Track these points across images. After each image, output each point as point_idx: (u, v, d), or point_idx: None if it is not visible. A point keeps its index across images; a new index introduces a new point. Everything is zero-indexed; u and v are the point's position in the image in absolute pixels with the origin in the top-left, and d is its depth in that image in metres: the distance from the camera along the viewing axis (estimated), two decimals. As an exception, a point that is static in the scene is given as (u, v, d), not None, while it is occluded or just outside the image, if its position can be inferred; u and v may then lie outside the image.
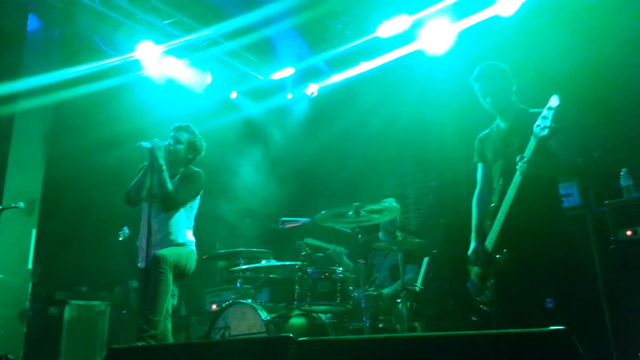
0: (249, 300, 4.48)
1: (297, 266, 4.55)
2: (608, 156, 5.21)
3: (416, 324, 4.63)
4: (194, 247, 4.21)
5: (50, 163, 5.78)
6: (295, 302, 4.38)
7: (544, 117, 3.10)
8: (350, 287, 4.41)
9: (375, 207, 4.36)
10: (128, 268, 6.25)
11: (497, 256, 3.29)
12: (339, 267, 4.59)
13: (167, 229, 4.09)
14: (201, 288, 6.78)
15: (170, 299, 4.02)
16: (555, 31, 5.85)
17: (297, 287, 4.41)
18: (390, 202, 4.99)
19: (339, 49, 6.99)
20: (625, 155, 5.03)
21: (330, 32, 7.06)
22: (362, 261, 4.33)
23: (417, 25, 6.46)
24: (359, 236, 4.43)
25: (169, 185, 4.03)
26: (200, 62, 7.18)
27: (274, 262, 4.99)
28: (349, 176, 7.26)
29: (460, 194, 3.79)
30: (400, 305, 4.35)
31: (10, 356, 4.90)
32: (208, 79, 7.24)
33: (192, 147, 4.30)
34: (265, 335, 4.09)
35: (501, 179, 3.40)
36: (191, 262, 4.13)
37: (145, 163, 4.11)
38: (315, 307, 4.40)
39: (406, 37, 6.60)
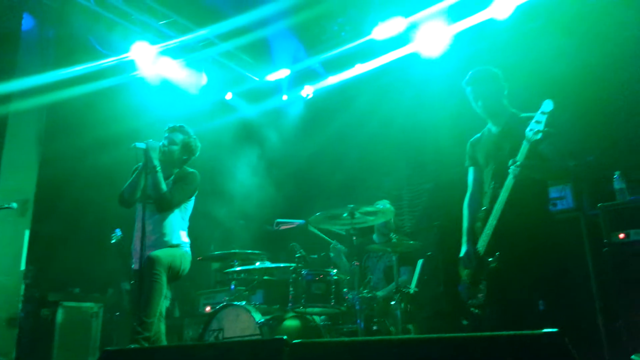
0: (243, 302, 4.47)
1: (291, 268, 4.54)
2: (601, 159, 5.24)
3: (410, 326, 4.63)
4: (188, 249, 4.20)
5: (44, 164, 5.76)
6: (290, 304, 4.37)
7: (537, 122, 3.12)
8: (345, 289, 4.41)
9: (369, 209, 4.37)
10: (121, 270, 6.23)
11: (490, 259, 3.30)
12: (333, 268, 4.59)
13: (162, 230, 4.08)
14: (195, 290, 6.76)
15: (164, 301, 4.01)
16: (549, 35, 5.88)
17: (291, 289, 4.40)
18: (384, 204, 5.00)
19: (334, 50, 7.00)
20: (619, 158, 5.06)
21: (326, 33, 7.07)
22: (356, 263, 4.33)
23: (412, 27, 6.48)
24: (354, 238, 4.44)
25: (164, 186, 4.02)
26: (196, 63, 7.17)
27: (268, 264, 4.98)
28: (344, 178, 7.27)
29: (455, 197, 3.80)
30: (394, 308, 4.35)
31: (2, 358, 4.87)
32: (203, 80, 7.24)
33: (187, 148, 4.29)
34: (259, 337, 4.08)
35: (492, 183, 3.42)
36: (186, 264, 4.11)
37: (140, 164, 4.10)
38: (309, 309, 4.40)
39: (402, 39, 6.62)
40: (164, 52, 6.70)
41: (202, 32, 6.67)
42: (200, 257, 5.19)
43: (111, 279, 6.54)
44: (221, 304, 4.61)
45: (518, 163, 3.14)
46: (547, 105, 3.14)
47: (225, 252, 5.16)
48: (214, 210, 6.87)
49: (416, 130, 6.83)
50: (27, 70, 5.74)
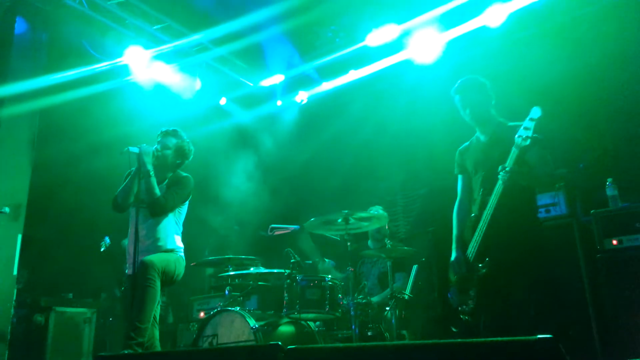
0: (237, 308, 4.45)
1: (286, 274, 4.53)
2: (594, 166, 5.28)
3: (405, 332, 4.64)
4: (182, 253, 4.18)
5: (37, 168, 5.72)
6: (284, 310, 4.37)
7: (526, 128, 3.17)
8: (340, 295, 4.41)
9: (364, 214, 4.38)
10: (111, 277, 6.20)
11: (480, 265, 3.32)
12: (328, 275, 4.59)
13: (156, 235, 4.06)
14: (189, 295, 6.73)
15: (158, 306, 3.99)
16: (540, 43, 5.95)
17: (286, 294, 4.39)
18: (377, 210, 5.01)
19: (328, 57, 7.03)
20: (611, 165, 5.11)
21: (320, 40, 7.09)
22: (351, 269, 4.33)
23: (405, 34, 6.52)
24: (348, 244, 4.44)
25: (157, 191, 4.00)
26: (190, 67, 7.17)
27: (262, 270, 4.98)
28: (339, 183, 7.27)
29: (449, 203, 3.82)
30: (389, 313, 4.35)
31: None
32: (197, 85, 7.23)
33: (180, 152, 4.28)
34: (253, 343, 4.07)
35: (482, 190, 3.46)
36: (180, 269, 4.09)
37: (133, 168, 4.08)
38: (304, 315, 4.39)
39: (395, 46, 6.67)
40: (157, 57, 6.69)
41: (196, 37, 6.68)
42: (194, 263, 5.18)
43: (104, 284, 6.51)
44: (215, 310, 4.59)
45: (507, 169, 3.18)
46: (536, 112, 3.19)
47: (220, 257, 5.15)
48: (208, 215, 6.86)
49: (410, 136, 6.86)
50: (20, 75, 5.70)
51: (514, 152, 3.20)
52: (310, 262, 5.20)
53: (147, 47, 6.54)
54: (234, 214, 7.23)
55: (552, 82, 5.54)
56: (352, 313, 4.14)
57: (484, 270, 3.29)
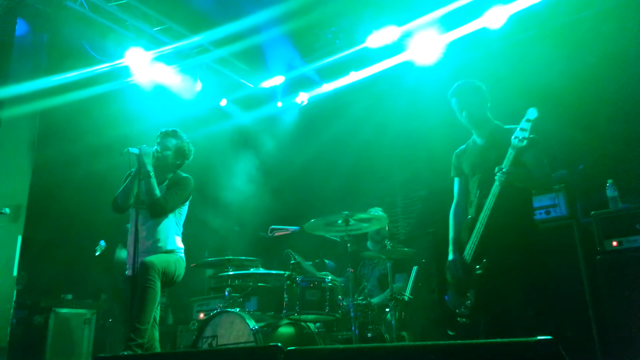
0: (237, 309, 4.44)
1: (285, 275, 4.53)
2: (594, 167, 5.29)
3: (405, 333, 4.63)
4: (183, 254, 4.18)
5: (37, 169, 5.73)
6: (284, 311, 4.36)
7: (522, 129, 3.18)
8: (339, 296, 4.40)
9: (364, 216, 4.38)
10: (106, 280, 6.20)
11: (477, 266, 3.33)
12: (328, 276, 4.59)
13: (156, 235, 4.06)
14: (189, 296, 6.73)
15: (158, 307, 3.99)
16: (540, 44, 5.96)
17: (285, 296, 4.39)
18: (377, 211, 5.01)
19: (329, 58, 7.04)
20: (611, 167, 5.11)
21: (321, 41, 7.10)
22: (350, 270, 4.33)
23: (406, 36, 6.53)
24: (348, 245, 4.44)
25: (157, 192, 4.00)
26: (190, 69, 7.18)
27: (262, 271, 4.97)
28: (339, 185, 7.28)
29: (449, 204, 3.83)
30: (389, 315, 4.35)
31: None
32: (198, 86, 7.24)
33: (180, 153, 4.28)
34: (253, 344, 4.06)
35: (478, 192, 3.47)
36: (180, 270, 4.09)
37: (133, 169, 4.09)
38: (304, 316, 4.38)
39: (395, 47, 6.67)
40: (158, 58, 6.71)
41: (197, 39, 6.69)
42: (194, 264, 5.17)
43: (104, 286, 6.51)
44: (215, 311, 4.59)
45: (504, 170, 3.20)
46: (532, 113, 3.20)
47: (219, 258, 5.15)
48: (208, 216, 6.86)
49: (410, 138, 6.87)
50: (21, 76, 5.71)
51: (510, 153, 3.22)
52: (310, 263, 5.19)
53: (147, 49, 6.56)
54: (234, 215, 7.23)
55: (552, 84, 5.55)
56: (352, 314, 4.13)
57: (481, 272, 3.30)
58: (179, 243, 4.17)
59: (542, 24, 6.03)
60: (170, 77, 7.01)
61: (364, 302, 4.46)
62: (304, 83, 7.76)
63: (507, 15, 5.91)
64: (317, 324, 4.64)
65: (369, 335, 4.41)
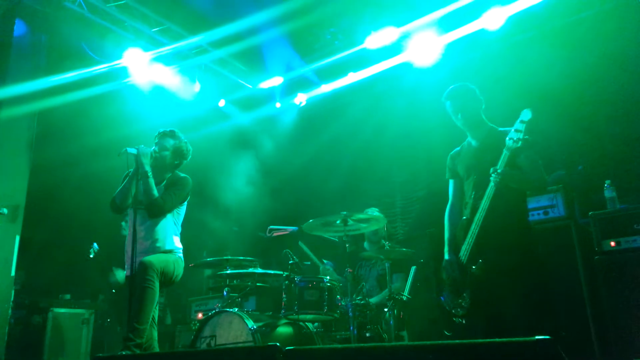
0: (236, 309, 4.44)
1: (284, 275, 4.53)
2: (592, 168, 5.30)
3: (403, 333, 4.63)
4: (181, 254, 4.17)
5: (35, 170, 5.72)
6: (283, 311, 4.36)
7: (517, 130, 3.20)
8: (338, 296, 4.40)
9: (362, 216, 4.39)
10: (100, 282, 6.20)
11: (473, 267, 3.34)
12: (327, 276, 4.59)
13: (154, 236, 4.05)
14: (187, 296, 6.73)
15: (157, 307, 3.99)
16: (539, 46, 5.97)
17: (284, 295, 4.39)
18: (373, 211, 5.01)
19: (327, 59, 7.05)
20: (609, 167, 5.12)
21: (319, 42, 7.11)
22: (349, 270, 4.33)
23: (405, 37, 6.54)
24: (347, 245, 4.44)
25: (155, 192, 4.00)
26: (189, 70, 7.18)
27: (260, 271, 4.97)
28: (338, 185, 7.28)
29: (448, 205, 3.85)
30: (387, 314, 4.35)
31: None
32: (196, 87, 7.24)
33: (178, 153, 4.27)
34: (251, 344, 4.06)
35: (473, 193, 3.49)
36: (179, 270, 4.08)
37: (131, 170, 4.08)
38: (302, 316, 4.38)
39: (394, 48, 6.68)
40: (156, 59, 6.70)
41: (195, 40, 6.69)
42: (193, 264, 5.17)
43: (102, 286, 6.50)
44: (214, 311, 4.59)
45: (499, 171, 3.22)
46: (526, 115, 3.22)
47: (218, 258, 5.14)
48: (207, 216, 6.86)
49: (409, 139, 6.88)
50: (19, 76, 5.70)
51: (505, 155, 3.24)
52: (309, 263, 5.19)
53: (146, 50, 6.55)
54: (232, 215, 7.23)
55: (551, 84, 5.56)
56: (350, 314, 4.14)
57: (477, 272, 3.31)
58: (177, 243, 4.17)
59: (541, 24, 6.04)
60: (168, 77, 7.01)
61: (362, 302, 4.46)
62: (303, 84, 7.76)
63: (506, 16, 5.92)
64: (316, 324, 4.65)
65: (368, 335, 4.41)
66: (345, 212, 4.24)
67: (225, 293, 4.84)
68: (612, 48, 5.48)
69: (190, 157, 4.36)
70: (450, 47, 6.42)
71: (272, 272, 4.92)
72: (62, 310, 5.81)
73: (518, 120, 3.21)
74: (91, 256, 5.86)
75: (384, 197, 7.30)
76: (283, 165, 7.76)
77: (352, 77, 7.22)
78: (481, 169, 3.41)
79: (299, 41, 7.08)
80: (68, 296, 6.11)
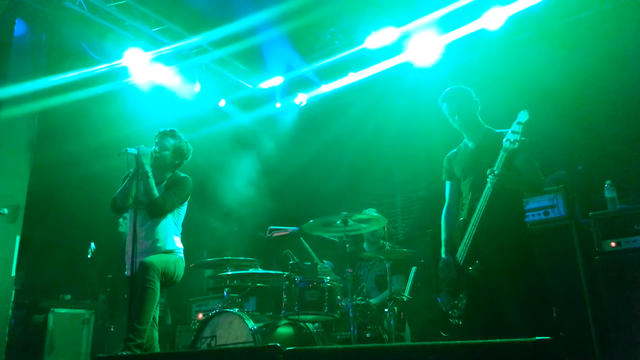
0: (236, 309, 4.44)
1: (284, 275, 4.53)
2: (592, 168, 5.30)
3: (404, 334, 4.63)
4: (182, 254, 4.17)
5: (36, 170, 5.72)
6: (283, 312, 4.35)
7: (514, 132, 3.20)
8: (338, 297, 4.40)
9: (363, 216, 4.38)
10: (96, 281, 6.20)
11: (470, 268, 3.35)
12: (327, 276, 4.59)
13: (155, 236, 4.05)
14: (188, 297, 6.73)
15: (158, 307, 3.99)
16: (539, 45, 5.97)
17: (284, 296, 4.38)
18: (371, 212, 5.00)
19: (328, 59, 7.05)
20: (609, 167, 5.12)
21: (320, 42, 7.11)
22: (349, 270, 4.33)
23: (405, 37, 6.54)
24: (347, 245, 4.44)
25: (156, 192, 4.00)
26: (189, 70, 7.18)
27: (261, 271, 4.97)
28: (338, 185, 7.28)
29: (444, 206, 3.85)
30: (388, 315, 4.35)
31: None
32: (197, 87, 7.24)
33: (179, 152, 4.27)
34: (252, 344, 4.06)
35: (470, 194, 3.50)
36: (179, 270, 4.08)
37: (132, 170, 4.08)
38: (302, 317, 4.37)
39: (394, 48, 6.68)
40: (157, 59, 6.70)
41: (196, 39, 6.69)
42: (193, 264, 5.17)
43: (100, 286, 6.50)
44: (214, 311, 4.59)
45: (496, 172, 3.22)
46: (523, 116, 3.22)
47: (218, 258, 5.15)
48: (207, 216, 6.86)
49: (409, 138, 6.88)
50: (19, 76, 5.71)
51: (502, 156, 3.25)
52: (309, 263, 5.19)
53: (146, 49, 6.55)
54: (232, 215, 7.22)
55: (551, 84, 5.56)
56: (350, 315, 4.13)
57: (474, 273, 3.32)
58: (178, 243, 4.17)
59: (541, 24, 6.04)
60: (169, 77, 7.01)
61: (362, 302, 4.46)
62: (303, 84, 7.76)
63: (506, 16, 5.92)
64: (316, 324, 4.64)
65: (368, 335, 4.41)
66: (345, 213, 4.24)
67: (225, 293, 4.84)
68: (611, 48, 5.48)
69: (190, 156, 4.35)
70: (451, 47, 6.43)
71: (272, 272, 4.92)
72: (63, 310, 5.81)
73: (515, 122, 3.22)
74: (89, 256, 5.87)
75: (385, 197, 7.30)
76: (283, 165, 7.76)
77: (352, 77, 7.22)
78: (478, 170, 3.43)
79: (299, 41, 7.08)
80: (68, 296, 6.11)
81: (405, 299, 4.54)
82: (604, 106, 5.51)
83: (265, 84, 7.70)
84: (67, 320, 5.81)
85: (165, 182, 4.20)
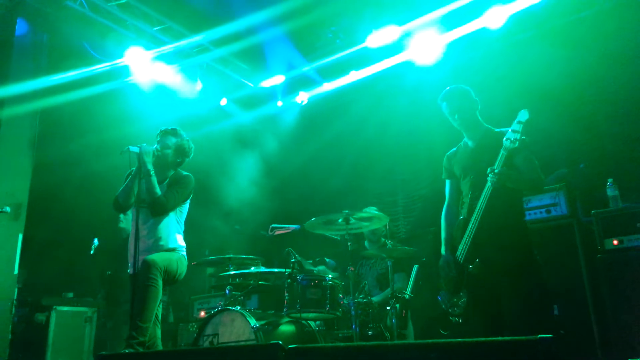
0: (238, 307, 4.45)
1: (286, 273, 4.54)
2: (594, 166, 5.30)
3: (405, 332, 4.64)
4: (184, 253, 4.17)
5: (38, 168, 5.73)
6: (285, 309, 4.37)
7: (514, 131, 3.20)
8: (340, 295, 4.41)
9: (364, 214, 4.39)
10: (97, 278, 6.21)
11: (470, 266, 3.36)
12: (329, 274, 4.59)
13: (157, 234, 4.05)
14: (190, 295, 6.74)
15: (160, 305, 4.00)
16: (541, 44, 5.97)
17: (286, 294, 4.39)
18: (371, 210, 5.01)
19: (329, 58, 7.05)
20: (611, 166, 5.12)
21: (321, 41, 7.11)
22: (351, 268, 4.34)
23: (406, 36, 6.54)
24: (349, 243, 4.44)
25: (158, 191, 4.00)
26: (190, 68, 7.19)
27: (263, 269, 4.98)
28: (340, 184, 7.29)
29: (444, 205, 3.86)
30: (390, 313, 4.36)
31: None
32: (198, 85, 7.25)
33: (180, 150, 4.27)
34: (254, 342, 4.07)
35: (470, 193, 3.51)
36: (182, 268, 4.09)
37: (134, 168, 4.09)
38: (304, 315, 4.39)
39: (396, 47, 6.68)
40: (158, 58, 6.71)
41: (197, 38, 6.69)
42: (195, 262, 5.18)
43: (100, 282, 6.51)
44: (216, 309, 4.59)
45: (496, 171, 3.23)
46: (523, 115, 3.22)
47: (220, 257, 5.15)
48: (209, 215, 6.86)
49: (411, 137, 6.88)
50: (21, 75, 5.72)
51: (502, 155, 3.25)
52: (311, 262, 5.20)
53: (147, 48, 6.56)
54: (234, 213, 7.23)
55: (552, 83, 5.56)
56: (352, 312, 4.14)
57: (475, 271, 3.33)
58: (180, 241, 4.17)
59: (542, 23, 6.04)
60: (170, 76, 7.01)
61: (364, 300, 4.47)
62: (305, 82, 7.77)
63: (507, 15, 5.92)
64: (318, 322, 4.65)
65: (370, 333, 4.41)
66: (347, 211, 4.24)
67: (227, 291, 4.84)
68: (612, 47, 5.48)
69: (192, 155, 4.36)
70: (452, 46, 6.42)
71: (274, 270, 4.93)
72: (65, 308, 5.81)
73: (515, 121, 3.22)
74: (92, 252, 5.87)
75: (386, 195, 7.30)
76: (285, 163, 7.77)
77: (353, 76, 7.22)
78: (478, 169, 3.43)
79: (300, 40, 7.08)
80: (71, 294, 6.12)
81: (407, 297, 4.55)
82: (606, 104, 5.51)
83: (267, 83, 7.70)
84: (70, 318, 5.81)
85: (167, 180, 4.21)
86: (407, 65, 6.77)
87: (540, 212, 4.76)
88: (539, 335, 1.80)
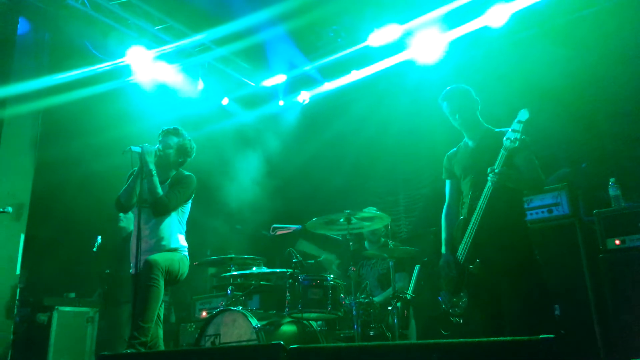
0: (240, 307, 4.45)
1: (288, 273, 4.53)
2: (596, 166, 5.29)
3: (407, 332, 4.64)
4: (186, 253, 4.18)
5: (40, 168, 5.74)
6: (286, 310, 4.36)
7: (514, 130, 3.20)
8: (342, 295, 4.41)
9: (366, 214, 4.39)
10: (94, 277, 6.21)
11: (470, 266, 3.36)
12: (330, 274, 4.59)
13: (159, 234, 4.06)
14: (191, 295, 6.74)
15: (162, 305, 4.00)
16: (542, 43, 5.96)
17: (288, 294, 4.39)
18: (371, 210, 5.00)
19: (330, 57, 7.05)
20: (614, 165, 5.11)
21: (322, 40, 7.11)
22: (353, 268, 4.33)
23: (408, 34, 6.53)
24: (350, 243, 4.44)
25: (160, 190, 4.00)
26: (192, 68, 7.19)
27: (264, 269, 4.97)
28: (341, 183, 7.29)
29: (445, 205, 3.85)
30: (391, 313, 4.35)
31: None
32: (200, 85, 7.25)
33: (182, 150, 4.28)
34: (255, 342, 4.07)
35: (471, 192, 3.50)
36: (184, 268, 4.09)
37: (136, 168, 4.09)
38: (306, 315, 4.39)
39: (397, 46, 6.67)
40: (160, 57, 6.71)
41: (198, 37, 6.70)
42: (197, 262, 5.18)
43: (100, 281, 6.51)
44: (218, 309, 4.60)
45: (496, 170, 3.22)
46: (523, 115, 3.22)
47: (222, 257, 5.15)
48: (210, 215, 6.86)
49: (412, 136, 6.87)
50: (23, 75, 5.71)
51: (502, 155, 3.25)
52: (312, 261, 5.19)
53: (149, 47, 6.57)
54: (236, 213, 7.23)
55: (554, 82, 5.56)
56: (354, 313, 4.14)
57: (475, 271, 3.33)
58: (182, 241, 4.17)
59: (544, 22, 6.03)
60: (172, 75, 7.02)
61: (366, 300, 4.46)
62: (306, 81, 7.77)
63: (509, 13, 5.92)
64: (320, 322, 4.65)
65: (372, 333, 4.41)
66: (348, 211, 4.24)
67: (229, 291, 4.84)
68: (614, 46, 5.47)
69: (194, 154, 4.36)
70: (453, 45, 6.42)
71: (276, 270, 4.93)
72: (67, 308, 5.82)
73: (515, 120, 3.22)
74: (95, 250, 5.87)
75: (387, 195, 7.30)
76: (286, 163, 7.77)
77: (355, 75, 7.22)
78: (478, 169, 3.43)
79: (302, 39, 7.08)
80: (73, 294, 6.12)
81: (408, 297, 4.55)
82: (607, 104, 5.50)
83: (268, 82, 7.70)
84: (72, 318, 5.81)
85: (169, 180, 4.21)
86: (409, 64, 6.76)
87: (542, 212, 4.76)
88: (541, 336, 1.79)
